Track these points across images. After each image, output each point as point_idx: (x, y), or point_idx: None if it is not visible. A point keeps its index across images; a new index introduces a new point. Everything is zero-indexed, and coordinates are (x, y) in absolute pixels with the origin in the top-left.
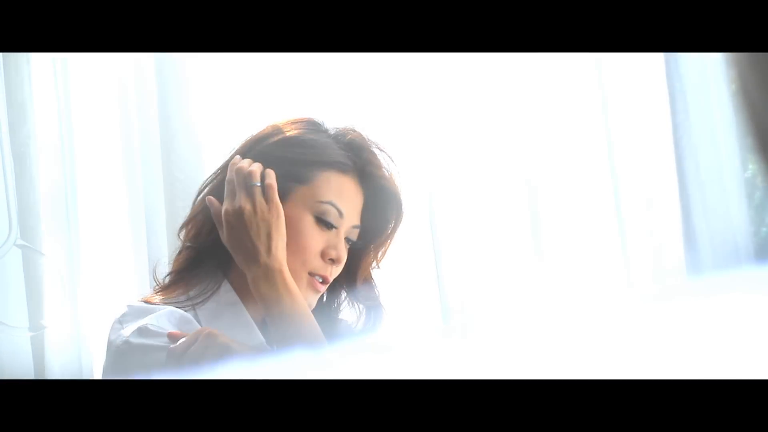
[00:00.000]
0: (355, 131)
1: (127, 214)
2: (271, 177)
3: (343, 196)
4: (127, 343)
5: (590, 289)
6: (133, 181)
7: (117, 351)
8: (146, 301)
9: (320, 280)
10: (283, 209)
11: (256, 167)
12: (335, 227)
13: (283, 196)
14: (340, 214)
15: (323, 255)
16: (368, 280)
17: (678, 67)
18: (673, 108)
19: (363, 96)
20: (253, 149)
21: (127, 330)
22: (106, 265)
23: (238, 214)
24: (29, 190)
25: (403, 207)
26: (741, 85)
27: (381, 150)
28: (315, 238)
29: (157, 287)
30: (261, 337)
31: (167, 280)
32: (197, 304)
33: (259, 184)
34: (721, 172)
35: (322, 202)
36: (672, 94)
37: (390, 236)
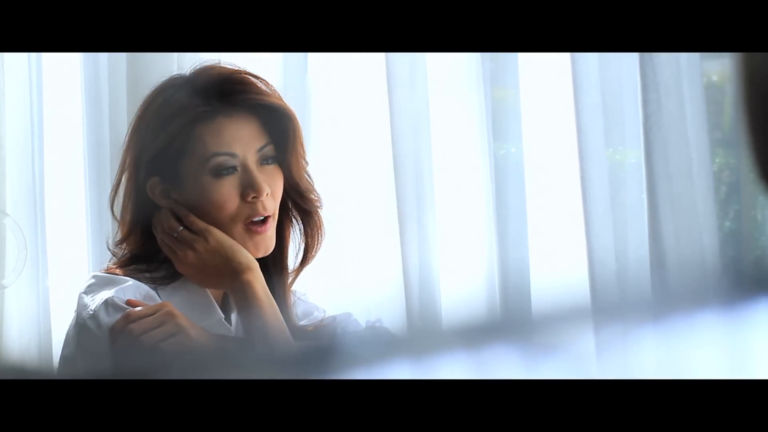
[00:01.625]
0: (207, 68)
1: (92, 181)
2: (180, 211)
3: (223, 138)
4: (93, 318)
5: (551, 277)
6: (100, 149)
7: (83, 325)
8: (111, 272)
9: (260, 219)
10: (184, 186)
11: (164, 217)
12: (236, 168)
13: (181, 177)
14: (232, 155)
15: (244, 198)
16: (307, 179)
17: (652, 57)
18: (644, 98)
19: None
20: (153, 164)
21: (94, 302)
22: (70, 231)
23: (190, 265)
24: None
25: (287, 108)
26: (749, 80)
27: (239, 70)
28: (224, 192)
29: (115, 261)
30: (220, 314)
31: (122, 258)
32: (159, 286)
33: (181, 228)
34: (689, 165)
35: (207, 158)
36: (644, 84)
37: (296, 136)
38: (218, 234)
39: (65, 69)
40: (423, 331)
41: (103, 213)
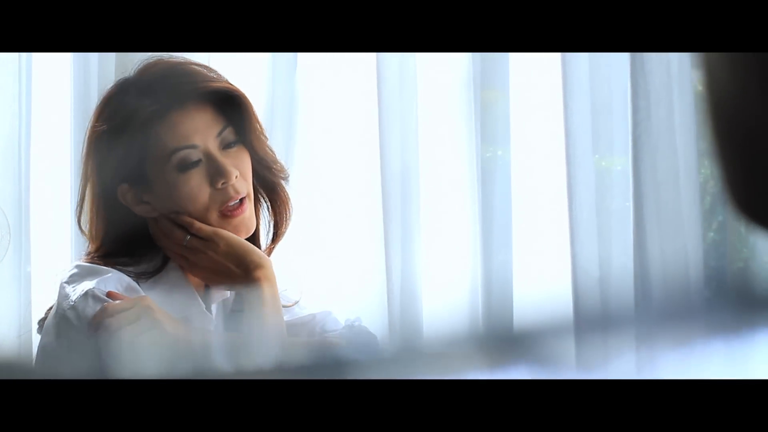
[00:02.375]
0: (150, 65)
1: (78, 169)
2: (184, 221)
3: (180, 132)
4: (73, 309)
5: (534, 281)
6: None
7: (63, 316)
8: (93, 261)
9: (236, 204)
10: (154, 187)
11: (167, 228)
12: (200, 159)
13: (149, 179)
14: (193, 147)
15: (213, 186)
16: (270, 152)
17: (644, 65)
18: (634, 105)
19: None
20: (118, 172)
21: (75, 293)
22: (54, 218)
23: (204, 269)
24: None
25: (236, 89)
26: (710, 85)
27: (182, 62)
28: (193, 184)
29: (92, 252)
30: (201, 304)
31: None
32: (141, 279)
33: (189, 237)
34: (677, 175)
35: (168, 155)
36: (635, 92)
37: (250, 115)
38: (228, 236)
39: (55, 59)
40: (403, 334)
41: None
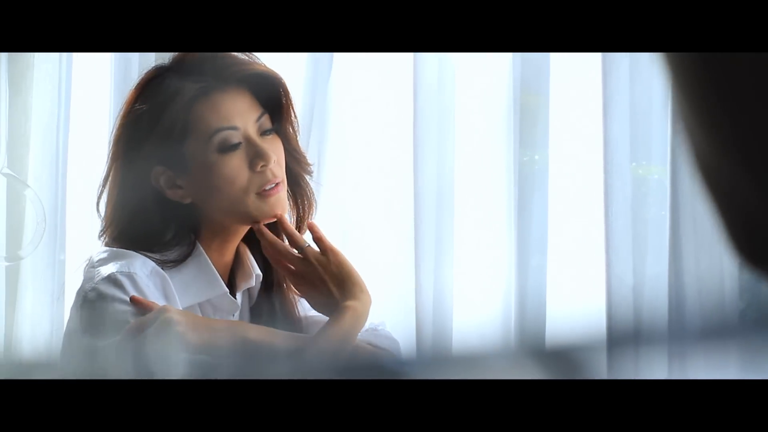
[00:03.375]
0: (187, 53)
1: None
2: (314, 228)
3: (222, 113)
4: (95, 290)
5: (568, 287)
6: None
7: (85, 298)
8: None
9: (272, 187)
10: (191, 168)
11: (293, 233)
12: (240, 142)
13: (186, 161)
14: (234, 128)
15: (253, 168)
16: (299, 143)
17: None
18: (674, 114)
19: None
20: (155, 153)
21: (99, 275)
22: (89, 206)
23: (308, 283)
24: (22, 120)
25: (276, 73)
26: (695, 151)
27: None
28: (234, 165)
29: (110, 235)
30: (224, 288)
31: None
32: (167, 267)
33: (306, 245)
34: None
35: (210, 135)
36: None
37: (288, 100)
38: (342, 258)
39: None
40: (434, 340)
41: None
